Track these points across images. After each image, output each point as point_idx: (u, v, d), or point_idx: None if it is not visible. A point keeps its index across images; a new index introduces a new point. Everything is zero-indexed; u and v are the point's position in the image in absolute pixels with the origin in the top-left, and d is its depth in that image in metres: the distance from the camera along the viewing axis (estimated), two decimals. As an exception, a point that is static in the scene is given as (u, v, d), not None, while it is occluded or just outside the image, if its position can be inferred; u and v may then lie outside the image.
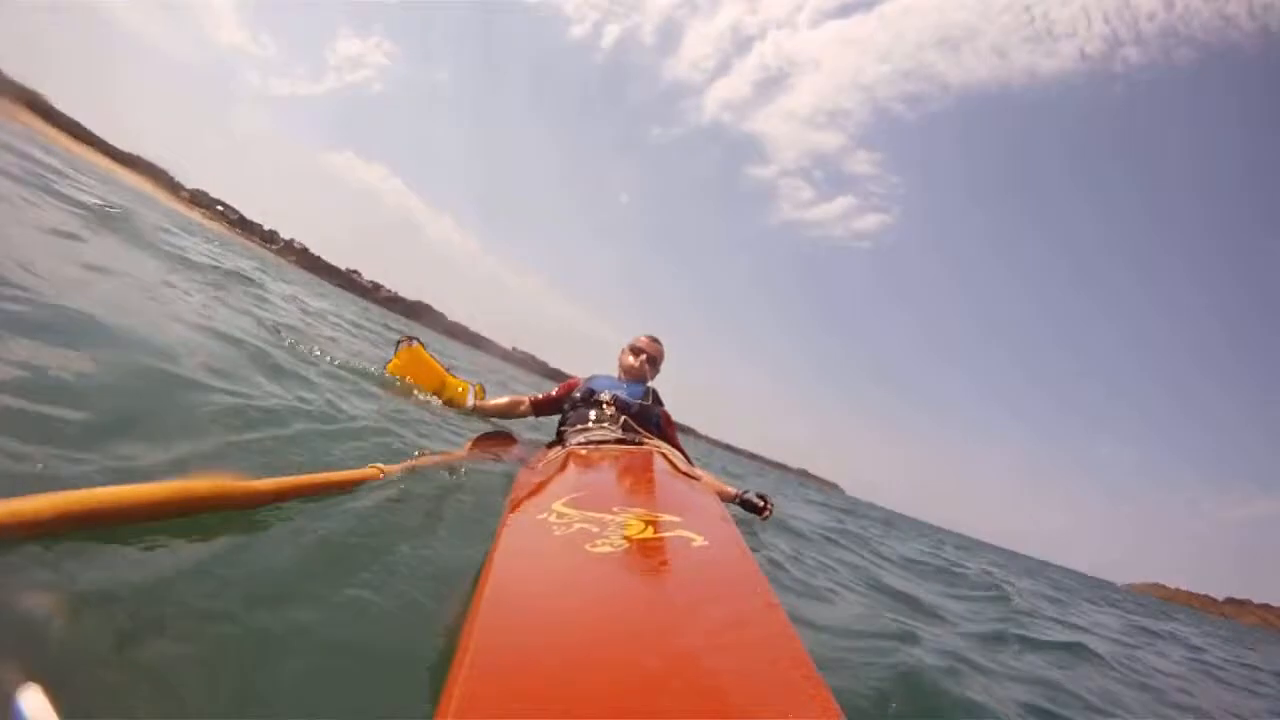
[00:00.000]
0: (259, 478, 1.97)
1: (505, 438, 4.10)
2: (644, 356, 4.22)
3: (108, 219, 7.26)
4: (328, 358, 4.77)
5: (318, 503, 2.11)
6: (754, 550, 1.55)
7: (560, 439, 3.79)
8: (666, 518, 1.70)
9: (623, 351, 4.33)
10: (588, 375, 4.38)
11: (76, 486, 1.45)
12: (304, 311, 8.46)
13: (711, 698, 0.88)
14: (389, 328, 14.05)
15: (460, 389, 4.70)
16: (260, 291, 8.10)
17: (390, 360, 4.83)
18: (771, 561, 3.69)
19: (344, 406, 3.34)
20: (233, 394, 2.81)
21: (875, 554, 7.00)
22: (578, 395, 4.00)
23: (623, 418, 3.61)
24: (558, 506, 1.81)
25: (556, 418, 4.33)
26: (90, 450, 1.94)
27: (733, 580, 1.36)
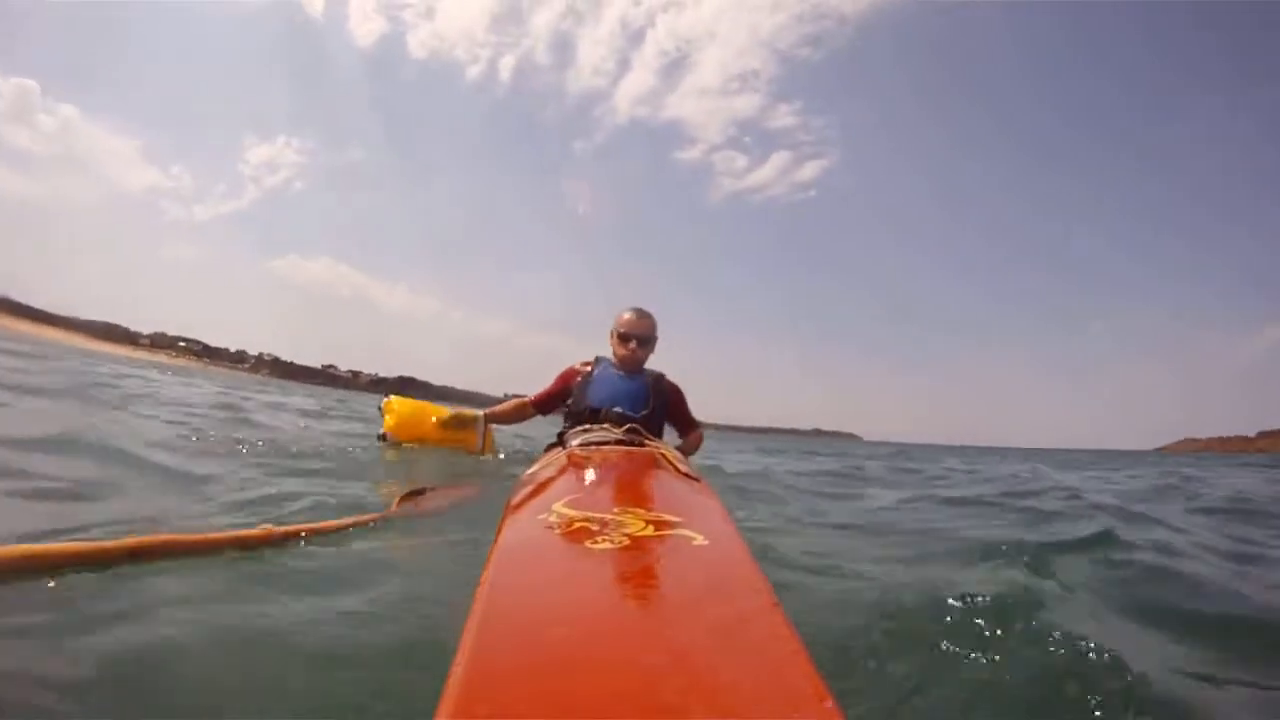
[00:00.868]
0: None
1: (450, 492, 3.83)
2: (634, 343, 4.04)
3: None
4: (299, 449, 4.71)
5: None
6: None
7: (561, 441, 3.78)
8: (667, 517, 1.69)
9: (611, 337, 4.14)
10: (583, 363, 4.24)
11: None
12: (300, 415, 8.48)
13: (712, 697, 0.87)
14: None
15: (460, 412, 4.60)
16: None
17: (382, 423, 4.62)
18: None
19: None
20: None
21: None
22: (581, 407, 3.91)
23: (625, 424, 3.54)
24: (558, 507, 1.80)
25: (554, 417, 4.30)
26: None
27: (733, 580, 1.35)
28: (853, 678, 1.74)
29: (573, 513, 1.73)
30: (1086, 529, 3.79)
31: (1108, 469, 14.66)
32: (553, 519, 1.70)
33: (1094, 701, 1.62)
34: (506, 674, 0.93)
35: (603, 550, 1.44)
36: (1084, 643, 1.82)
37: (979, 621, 2.00)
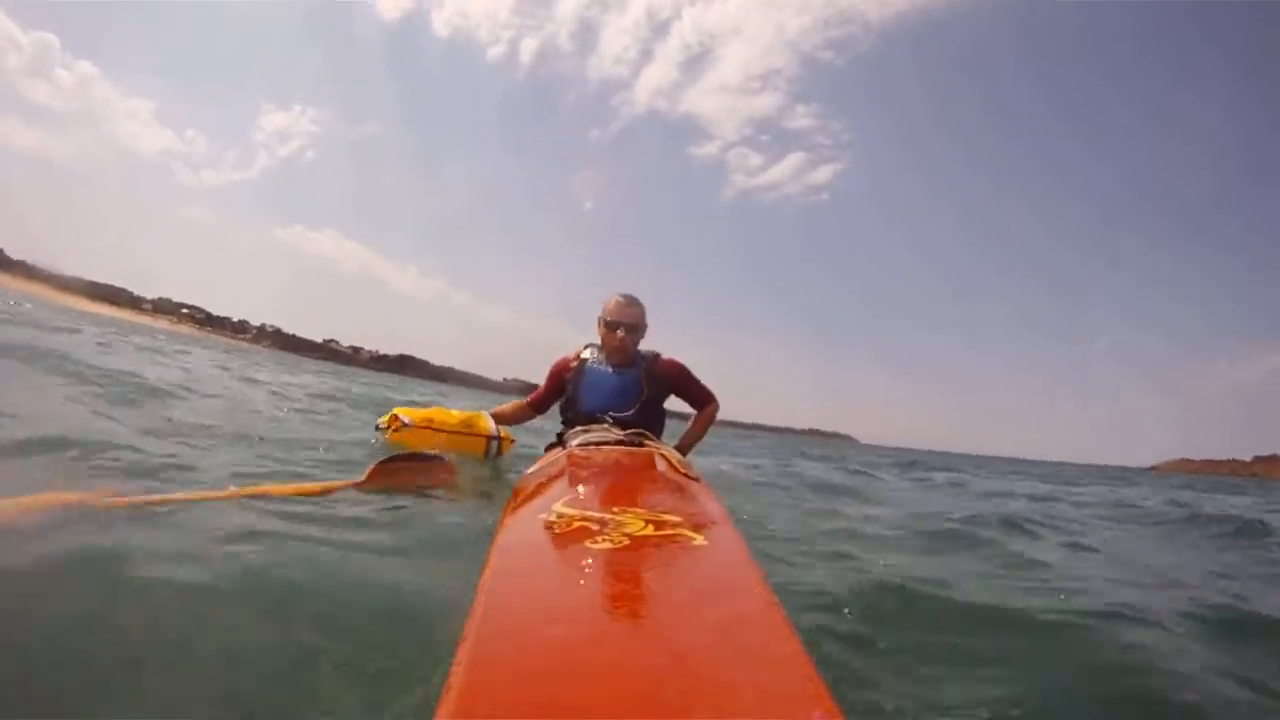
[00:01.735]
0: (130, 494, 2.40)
1: (427, 464, 3.75)
2: (621, 331, 3.88)
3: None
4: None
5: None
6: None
7: (560, 441, 3.77)
8: (667, 517, 1.70)
9: (599, 324, 3.99)
10: (573, 354, 4.14)
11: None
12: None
13: (711, 697, 0.88)
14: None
15: (469, 422, 4.49)
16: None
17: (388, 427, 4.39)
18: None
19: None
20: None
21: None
22: (574, 411, 3.86)
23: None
24: (558, 507, 1.81)
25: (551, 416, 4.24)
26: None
27: (733, 580, 1.36)
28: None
29: (572, 512, 1.74)
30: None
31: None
32: (552, 519, 1.71)
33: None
34: (506, 674, 0.94)
35: (602, 550, 1.45)
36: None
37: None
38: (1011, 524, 4.89)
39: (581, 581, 1.35)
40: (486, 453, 4.64)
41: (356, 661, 1.60)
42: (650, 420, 3.73)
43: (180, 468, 3.24)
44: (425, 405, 5.32)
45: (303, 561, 2.08)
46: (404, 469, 3.53)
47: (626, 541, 1.50)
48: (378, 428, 4.30)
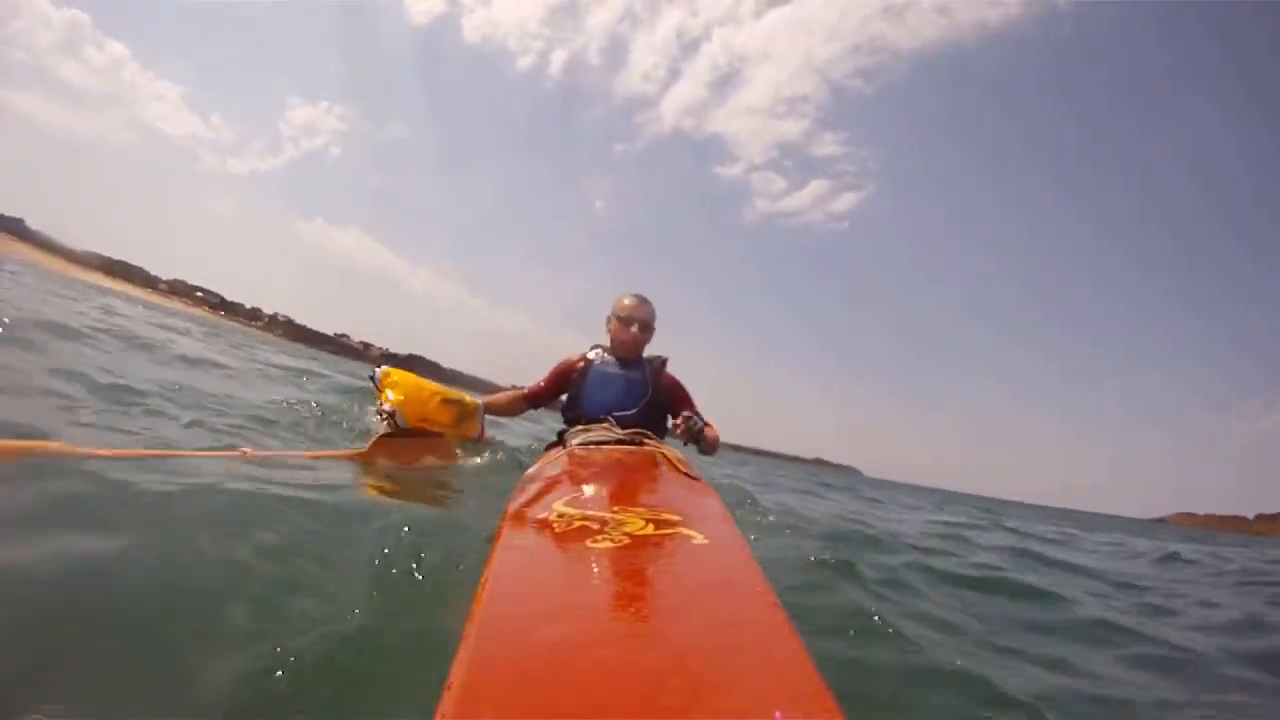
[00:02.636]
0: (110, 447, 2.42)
1: (430, 440, 3.83)
2: (635, 327, 3.89)
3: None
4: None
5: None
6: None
7: (561, 440, 3.75)
8: (667, 516, 1.70)
9: (609, 321, 3.99)
10: (579, 355, 4.10)
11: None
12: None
13: (712, 696, 0.88)
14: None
15: (457, 393, 4.23)
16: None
17: (380, 397, 3.90)
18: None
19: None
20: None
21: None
22: (577, 412, 3.83)
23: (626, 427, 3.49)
24: (558, 506, 1.82)
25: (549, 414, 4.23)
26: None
27: (734, 579, 1.36)
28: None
29: (573, 511, 1.75)
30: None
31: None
32: (553, 518, 1.72)
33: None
34: (506, 673, 0.94)
35: (603, 549, 1.46)
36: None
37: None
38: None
39: (582, 581, 1.36)
40: (476, 436, 4.46)
41: (354, 660, 1.60)
42: (652, 420, 3.71)
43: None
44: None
45: (297, 545, 2.11)
46: (407, 445, 3.57)
47: (627, 540, 1.51)
48: (373, 377, 4.11)
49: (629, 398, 3.77)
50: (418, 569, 2.16)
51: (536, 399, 4.30)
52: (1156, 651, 3.18)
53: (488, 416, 4.40)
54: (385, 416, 3.66)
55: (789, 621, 1.10)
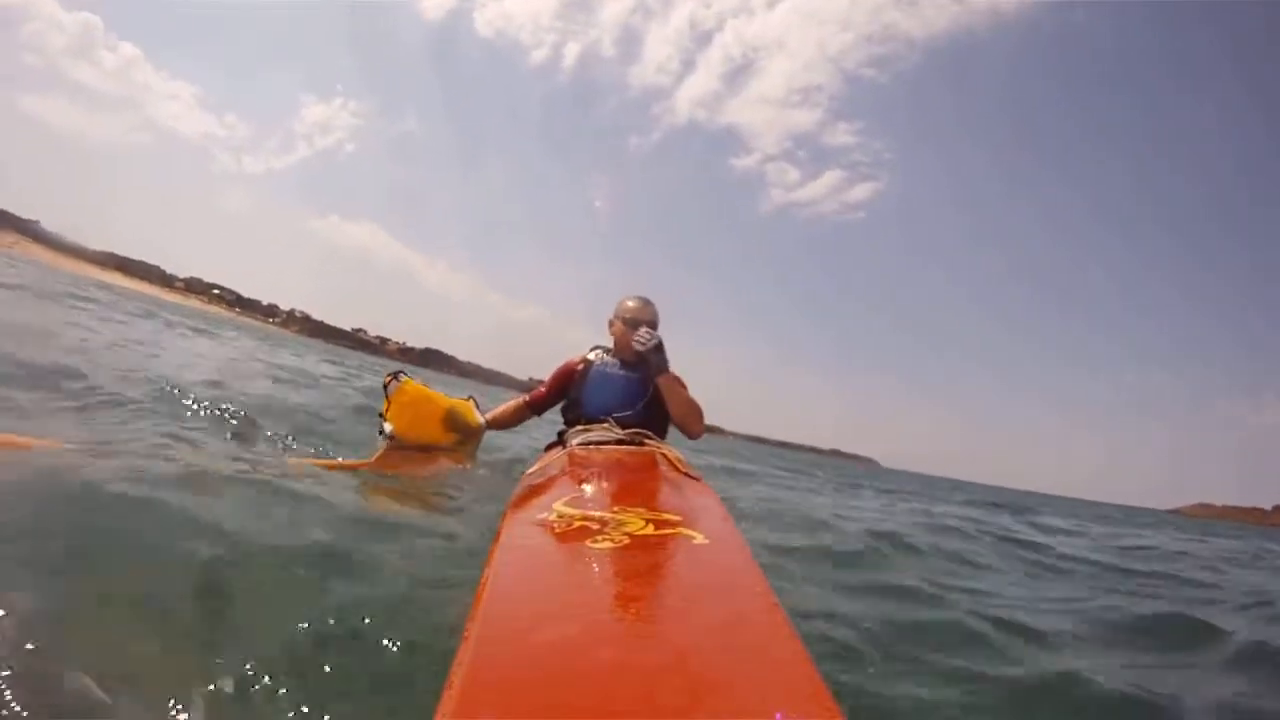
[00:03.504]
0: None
1: (440, 453, 3.89)
2: (639, 328, 3.76)
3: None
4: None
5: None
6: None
7: (561, 440, 3.74)
8: (667, 516, 1.70)
9: (612, 324, 3.97)
10: (580, 357, 4.08)
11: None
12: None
13: (712, 696, 0.88)
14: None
15: (465, 409, 4.28)
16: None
17: (386, 411, 3.92)
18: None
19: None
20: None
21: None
22: (577, 413, 3.80)
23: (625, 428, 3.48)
24: (558, 506, 1.81)
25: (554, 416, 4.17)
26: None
27: (734, 579, 1.36)
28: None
29: (573, 512, 1.74)
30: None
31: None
32: (553, 518, 1.71)
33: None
34: (506, 674, 0.94)
35: (603, 549, 1.45)
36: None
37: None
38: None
39: (582, 581, 1.36)
40: (468, 461, 4.37)
41: (355, 660, 1.60)
42: (653, 421, 3.69)
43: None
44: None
45: (302, 549, 2.10)
46: (417, 456, 3.62)
47: (627, 541, 1.50)
48: (394, 378, 4.07)
49: (629, 398, 3.75)
50: (417, 570, 2.18)
51: (539, 405, 4.26)
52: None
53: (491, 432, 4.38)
54: (384, 438, 3.75)
55: (789, 621, 1.09)
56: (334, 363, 16.11)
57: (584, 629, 1.08)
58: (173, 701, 1.37)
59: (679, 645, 1.04)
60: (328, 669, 1.55)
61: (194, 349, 9.03)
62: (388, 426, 3.75)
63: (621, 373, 3.89)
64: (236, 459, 2.86)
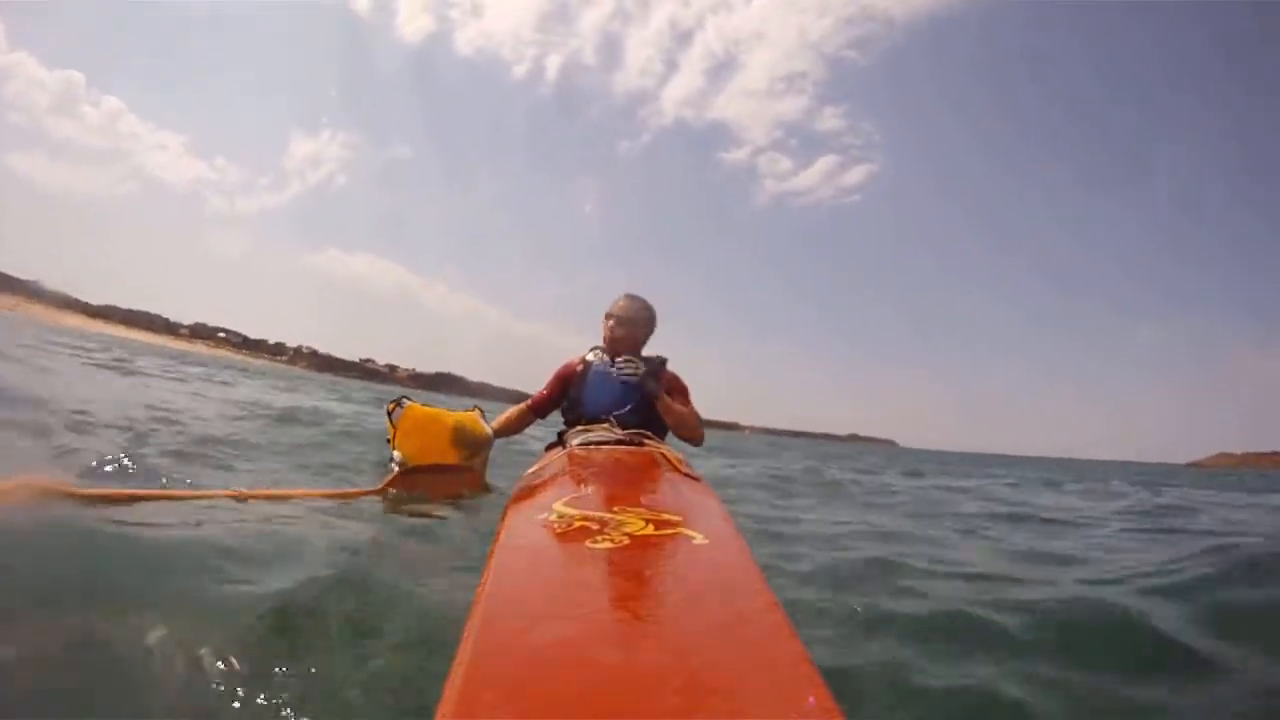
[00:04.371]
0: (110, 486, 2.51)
1: (453, 474, 3.84)
2: (627, 327, 3.88)
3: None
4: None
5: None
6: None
7: (561, 440, 3.74)
8: (667, 516, 1.69)
9: (604, 323, 3.97)
10: (579, 358, 4.07)
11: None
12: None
13: (711, 696, 0.88)
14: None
15: (472, 421, 4.16)
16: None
17: (393, 439, 3.85)
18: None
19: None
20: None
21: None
22: (576, 414, 3.82)
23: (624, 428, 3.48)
24: (558, 506, 1.81)
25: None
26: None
27: (733, 579, 1.35)
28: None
29: (573, 512, 1.74)
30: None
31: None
32: (553, 518, 1.71)
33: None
34: (506, 673, 0.93)
35: (603, 549, 1.45)
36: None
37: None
38: None
39: (582, 581, 1.35)
40: (480, 481, 4.36)
41: (355, 662, 1.60)
42: (652, 420, 3.67)
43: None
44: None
45: (305, 562, 2.12)
46: (426, 479, 3.61)
47: (627, 541, 1.50)
48: (399, 403, 4.06)
49: (626, 398, 3.71)
50: (417, 571, 2.21)
51: (541, 408, 4.23)
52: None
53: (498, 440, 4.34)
54: (393, 465, 3.74)
55: (789, 621, 1.09)
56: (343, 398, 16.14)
57: (584, 629, 1.08)
58: (174, 701, 1.39)
59: (679, 645, 1.03)
60: (328, 669, 1.56)
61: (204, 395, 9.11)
62: (397, 454, 3.72)
63: (615, 366, 3.81)
64: (217, 489, 2.88)
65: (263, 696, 1.44)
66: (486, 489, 4.21)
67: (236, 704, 1.41)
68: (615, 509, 1.75)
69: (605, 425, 3.51)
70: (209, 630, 1.62)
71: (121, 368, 11.92)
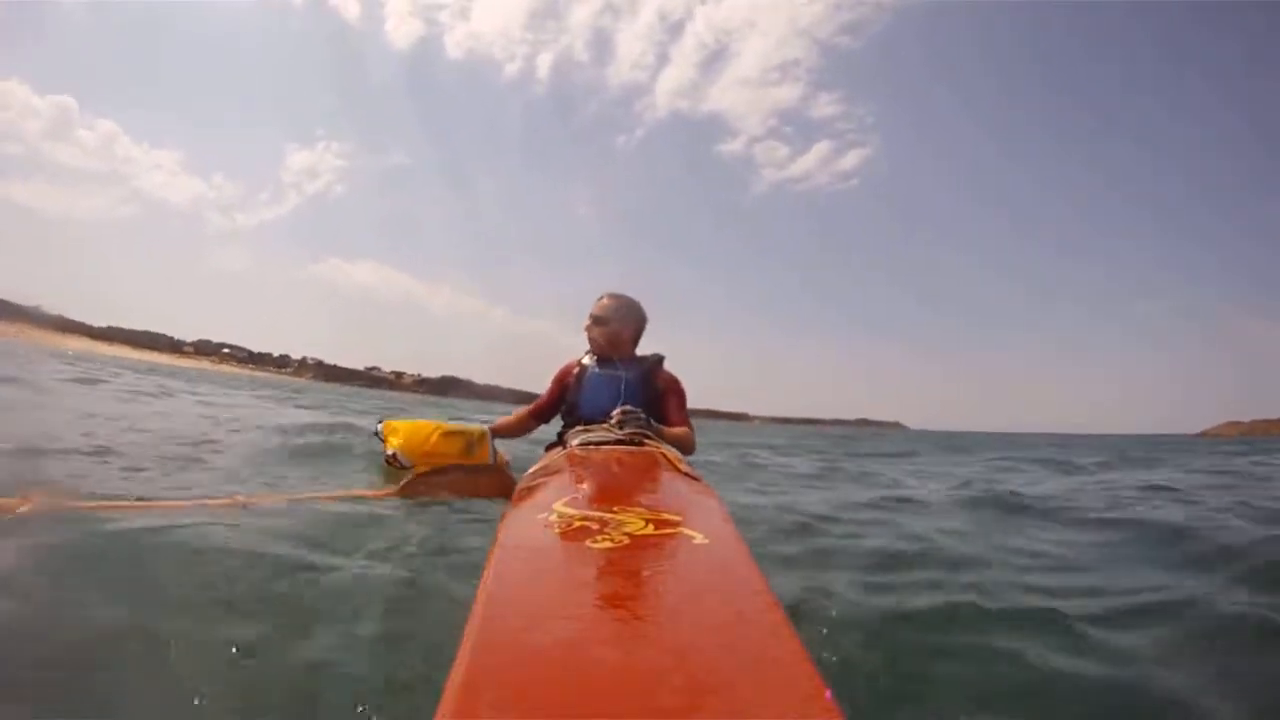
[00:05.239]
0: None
1: (472, 474, 3.83)
2: (605, 326, 3.89)
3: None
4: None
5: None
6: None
7: (561, 440, 3.74)
8: (667, 516, 1.69)
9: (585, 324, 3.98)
10: (575, 361, 4.09)
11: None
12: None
13: (711, 696, 0.88)
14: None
15: (460, 428, 4.18)
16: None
17: (385, 445, 4.04)
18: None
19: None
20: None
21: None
22: (574, 417, 3.82)
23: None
24: (558, 506, 1.81)
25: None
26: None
27: (733, 579, 1.35)
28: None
29: (572, 512, 1.73)
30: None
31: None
32: (553, 518, 1.70)
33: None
34: (506, 673, 0.93)
35: (602, 549, 1.45)
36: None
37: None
38: None
39: (582, 581, 1.35)
40: (491, 457, 4.31)
41: (356, 662, 1.62)
42: (646, 424, 3.57)
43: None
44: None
45: (305, 565, 2.14)
46: (440, 481, 3.62)
47: (627, 541, 1.50)
48: (377, 432, 4.13)
49: (618, 399, 3.70)
50: (418, 572, 2.23)
51: (542, 414, 4.24)
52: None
53: (499, 440, 4.34)
54: (390, 461, 3.87)
55: (789, 621, 1.09)
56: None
57: (584, 629, 1.08)
58: (177, 702, 1.41)
59: (679, 645, 1.02)
60: (328, 668, 1.57)
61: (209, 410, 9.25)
62: (390, 449, 3.87)
63: (610, 374, 3.87)
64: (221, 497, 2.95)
65: (263, 696, 1.46)
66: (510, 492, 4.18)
67: (237, 704, 1.43)
68: (615, 509, 1.75)
69: (605, 425, 3.47)
70: (209, 631, 1.65)
71: (112, 383, 12.95)
